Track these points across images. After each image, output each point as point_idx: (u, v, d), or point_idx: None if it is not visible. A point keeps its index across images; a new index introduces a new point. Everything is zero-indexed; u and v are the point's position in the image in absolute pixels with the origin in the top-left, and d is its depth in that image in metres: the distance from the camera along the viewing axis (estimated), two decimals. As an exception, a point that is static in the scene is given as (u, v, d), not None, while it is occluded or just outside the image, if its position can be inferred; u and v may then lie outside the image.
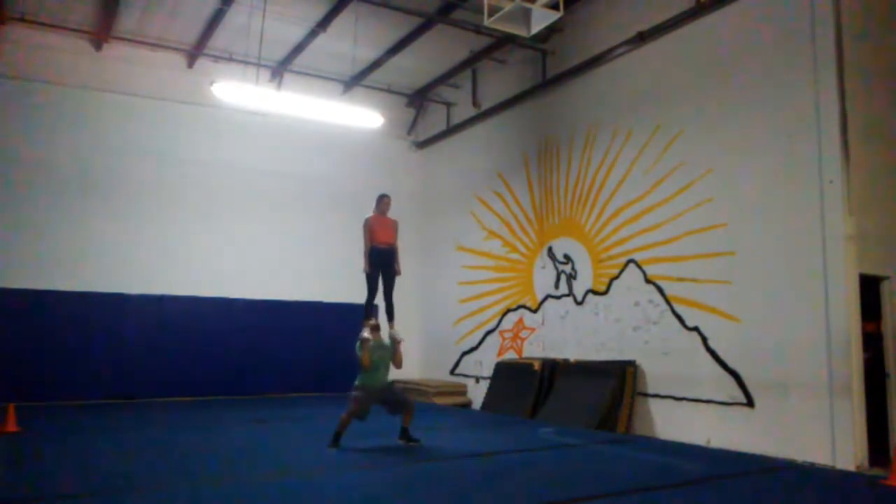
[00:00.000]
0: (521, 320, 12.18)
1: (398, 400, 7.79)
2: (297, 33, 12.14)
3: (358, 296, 13.80)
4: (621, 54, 10.25)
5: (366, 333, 7.60)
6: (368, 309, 8.29)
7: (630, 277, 9.90)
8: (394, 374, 13.91)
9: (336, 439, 7.35)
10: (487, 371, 12.50)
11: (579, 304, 10.85)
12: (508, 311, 12.49)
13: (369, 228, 8.41)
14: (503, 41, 11.88)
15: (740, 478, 6.58)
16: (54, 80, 12.06)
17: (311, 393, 13.41)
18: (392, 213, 15.79)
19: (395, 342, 7.81)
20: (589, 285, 10.68)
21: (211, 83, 10.24)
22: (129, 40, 12.35)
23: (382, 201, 8.48)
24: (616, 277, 10.16)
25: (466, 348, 13.52)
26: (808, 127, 7.68)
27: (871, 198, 7.74)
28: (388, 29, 11.88)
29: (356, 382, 7.57)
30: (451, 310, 13.96)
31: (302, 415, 10.82)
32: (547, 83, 11.77)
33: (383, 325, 8.04)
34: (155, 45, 12.60)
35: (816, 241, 7.50)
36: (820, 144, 7.57)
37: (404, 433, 7.71)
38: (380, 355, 7.63)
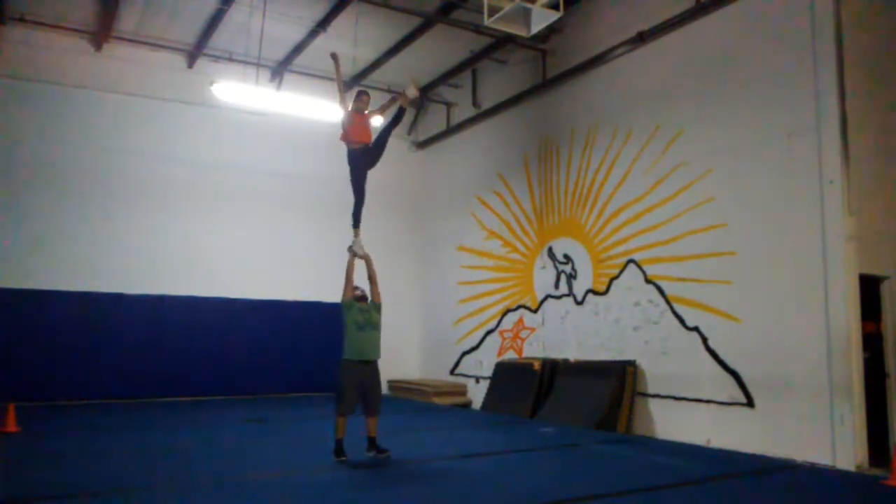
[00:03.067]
0: (521, 320, 12.18)
1: (375, 395, 7.00)
2: (297, 33, 12.14)
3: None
4: (621, 54, 10.25)
5: (355, 247, 7.41)
6: (357, 216, 7.78)
7: (630, 277, 9.90)
8: (393, 372, 14.02)
9: (339, 448, 6.79)
10: (487, 371, 12.50)
11: (579, 304, 10.85)
12: (508, 311, 12.49)
13: (347, 126, 7.74)
14: (503, 41, 11.88)
15: (740, 478, 6.58)
16: (54, 80, 12.05)
17: (311, 393, 13.41)
18: (393, 214, 15.73)
19: (360, 257, 7.31)
20: (589, 285, 10.68)
21: (211, 83, 10.24)
22: (129, 40, 12.36)
23: (361, 98, 7.76)
24: (616, 277, 10.16)
25: (466, 348, 13.52)
26: (808, 127, 7.68)
27: (871, 198, 7.74)
28: (388, 29, 11.87)
29: (343, 357, 6.97)
30: (451, 310, 13.96)
31: (301, 415, 10.83)
32: (547, 83, 11.76)
33: (364, 287, 7.46)
34: (155, 45, 12.60)
35: (816, 241, 7.50)
36: (820, 144, 7.57)
37: (372, 444, 6.98)
38: (365, 318, 7.03)
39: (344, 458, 6.74)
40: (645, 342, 9.54)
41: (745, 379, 8.11)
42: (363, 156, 7.72)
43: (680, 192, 9.15)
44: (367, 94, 7.89)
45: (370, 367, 7.04)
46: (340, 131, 7.78)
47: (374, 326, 7.12)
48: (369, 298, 7.31)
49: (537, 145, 12.05)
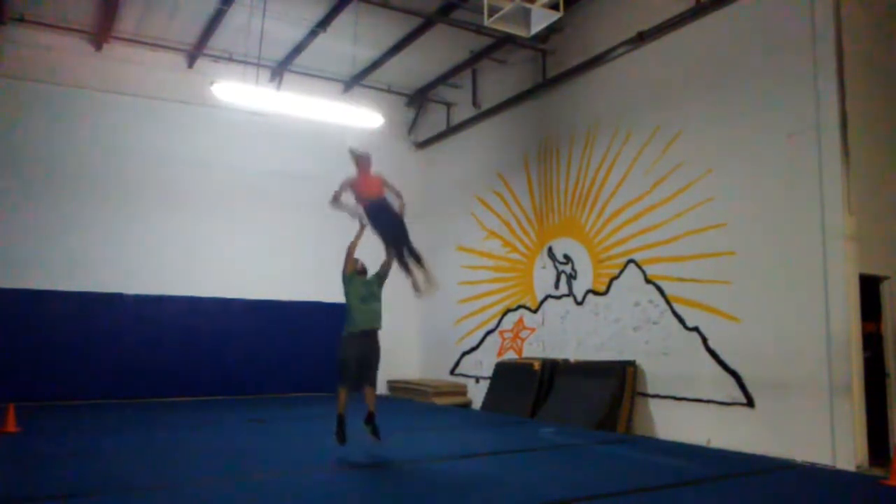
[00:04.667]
0: (521, 320, 12.18)
1: (372, 365, 7.09)
2: (297, 33, 12.13)
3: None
4: (621, 54, 10.25)
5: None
6: (413, 256, 7.33)
7: (630, 277, 9.89)
8: (394, 372, 14.01)
9: (340, 426, 6.91)
10: (487, 371, 12.50)
11: (579, 304, 10.85)
12: (508, 311, 12.49)
13: (357, 186, 7.36)
14: (503, 41, 11.87)
15: (740, 478, 6.58)
16: (54, 80, 12.05)
17: (311, 393, 13.41)
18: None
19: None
20: (589, 285, 10.68)
21: (211, 83, 10.24)
22: (129, 40, 12.36)
23: (361, 160, 7.43)
24: (616, 277, 10.16)
25: (466, 348, 13.52)
26: (808, 127, 7.68)
27: (871, 198, 7.74)
28: (388, 29, 11.88)
29: (344, 331, 7.11)
30: (451, 310, 13.96)
31: (301, 415, 10.83)
32: (547, 83, 11.76)
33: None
34: (155, 45, 12.60)
35: (816, 241, 7.50)
36: (820, 144, 7.57)
37: (371, 419, 7.04)
38: (368, 290, 7.18)
39: (343, 442, 6.88)
40: (645, 342, 9.54)
41: (745, 379, 8.11)
42: (382, 211, 7.29)
43: (680, 192, 9.16)
44: (365, 156, 7.55)
45: (371, 337, 7.16)
46: (347, 200, 7.36)
47: (377, 298, 7.24)
48: (368, 273, 7.44)
49: (537, 145, 12.05)
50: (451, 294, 14.03)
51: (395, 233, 7.40)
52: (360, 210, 7.34)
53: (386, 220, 7.37)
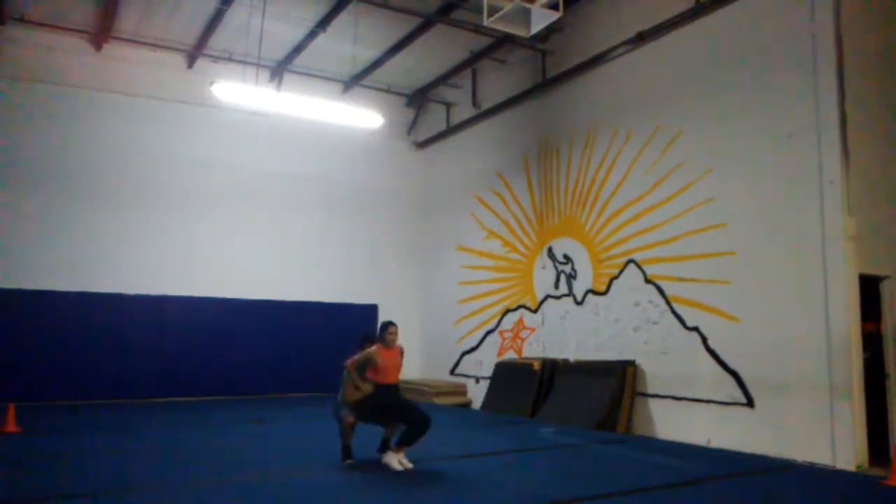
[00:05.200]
0: (521, 320, 12.18)
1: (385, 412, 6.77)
2: (297, 33, 12.14)
3: (356, 296, 13.87)
4: (621, 54, 10.25)
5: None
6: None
7: (630, 277, 9.90)
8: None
9: (345, 452, 6.73)
10: (487, 371, 12.50)
11: (579, 304, 10.85)
12: (508, 311, 12.49)
13: (377, 365, 6.62)
14: (503, 41, 11.88)
15: (740, 478, 6.58)
16: (54, 80, 12.06)
17: (311, 393, 13.41)
18: (393, 214, 15.69)
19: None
20: (589, 285, 10.68)
21: (211, 83, 10.25)
22: (129, 40, 12.36)
23: (388, 330, 6.74)
24: (616, 277, 10.16)
25: (466, 348, 13.52)
26: (808, 127, 7.68)
27: (871, 198, 7.74)
28: (388, 29, 11.88)
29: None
30: (451, 310, 13.96)
31: (301, 415, 10.83)
32: (547, 83, 11.77)
33: None
34: (155, 45, 12.61)
35: (816, 241, 7.51)
36: (820, 144, 7.57)
37: (385, 444, 6.81)
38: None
39: (344, 462, 6.72)
40: (645, 342, 9.54)
41: (745, 379, 8.11)
42: (390, 396, 6.73)
43: (680, 192, 9.16)
44: (394, 325, 6.81)
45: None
46: (358, 376, 6.66)
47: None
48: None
49: (537, 145, 12.06)
50: (451, 294, 14.05)
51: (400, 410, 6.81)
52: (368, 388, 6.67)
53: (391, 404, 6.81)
